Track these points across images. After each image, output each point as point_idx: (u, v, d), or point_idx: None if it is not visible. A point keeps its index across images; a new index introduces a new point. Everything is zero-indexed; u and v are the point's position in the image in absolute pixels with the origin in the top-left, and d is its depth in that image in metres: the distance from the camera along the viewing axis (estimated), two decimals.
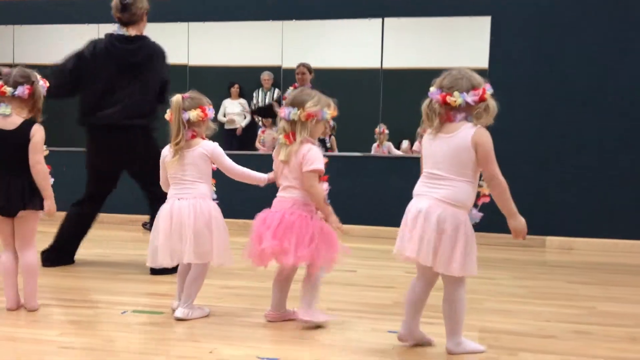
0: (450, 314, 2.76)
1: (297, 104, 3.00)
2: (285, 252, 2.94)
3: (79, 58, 4.30)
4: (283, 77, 6.40)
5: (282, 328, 3.08)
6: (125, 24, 4.29)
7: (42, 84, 3.22)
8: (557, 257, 5.31)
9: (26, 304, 3.25)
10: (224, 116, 6.73)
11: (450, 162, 2.65)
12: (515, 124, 5.76)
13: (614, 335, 3.08)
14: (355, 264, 4.68)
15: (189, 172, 3.19)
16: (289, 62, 6.37)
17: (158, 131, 4.48)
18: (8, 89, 3.12)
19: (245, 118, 6.77)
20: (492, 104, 2.71)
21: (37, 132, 3.14)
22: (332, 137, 6.39)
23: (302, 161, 2.98)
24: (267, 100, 6.71)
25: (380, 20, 6.09)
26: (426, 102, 2.74)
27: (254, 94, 6.76)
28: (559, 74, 5.68)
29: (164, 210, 3.20)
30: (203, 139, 3.24)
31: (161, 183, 3.34)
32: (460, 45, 6.01)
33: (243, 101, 6.76)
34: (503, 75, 5.79)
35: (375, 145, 6.32)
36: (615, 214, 5.61)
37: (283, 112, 3.03)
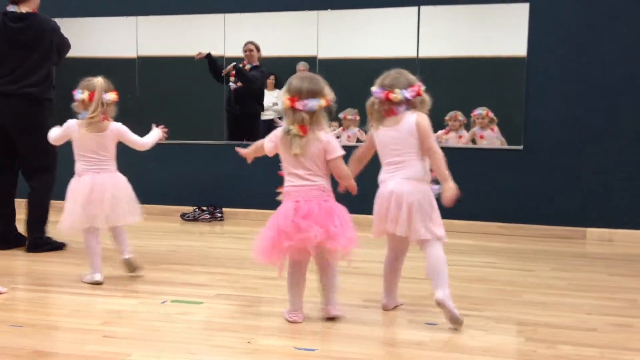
0: (438, 270, 3.03)
1: (317, 93, 2.95)
2: (333, 236, 2.90)
3: None
4: (319, 67, 6.39)
5: (318, 320, 3.10)
6: (14, 2, 4.53)
7: None
8: (598, 249, 5.23)
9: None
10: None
11: (403, 146, 3.05)
12: (553, 113, 5.68)
13: None
14: None
15: (102, 151, 3.69)
16: (325, 53, 6.36)
17: (51, 103, 4.68)
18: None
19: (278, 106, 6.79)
20: (427, 97, 3.14)
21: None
22: (360, 130, 6.42)
23: (328, 151, 2.97)
24: None
25: (416, 8, 6.03)
26: (370, 100, 3.13)
27: None
28: (598, 62, 5.57)
29: (83, 182, 3.65)
30: (109, 120, 3.72)
31: (55, 137, 3.81)
32: (497, 33, 5.93)
33: (279, 92, 6.77)
34: (541, 63, 5.70)
35: None
36: None
37: (302, 104, 2.92)
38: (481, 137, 6.01)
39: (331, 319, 3.06)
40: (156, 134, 3.95)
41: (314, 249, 2.91)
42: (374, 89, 3.10)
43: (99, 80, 3.63)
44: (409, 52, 6.11)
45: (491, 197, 5.83)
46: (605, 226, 5.58)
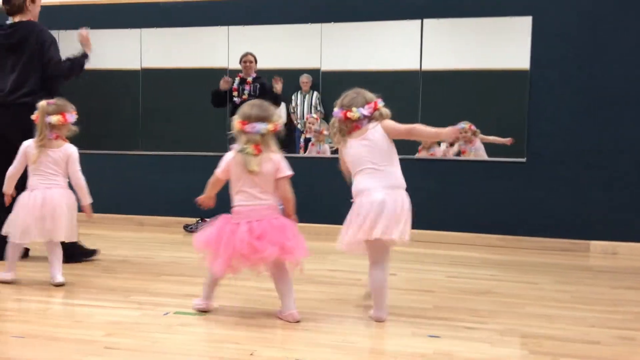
0: (385, 284, 3.24)
1: (265, 118, 3.19)
2: (289, 251, 3.13)
3: None
4: (322, 80, 6.41)
5: (320, 331, 3.09)
6: (8, 14, 4.59)
7: None
8: (601, 262, 5.21)
9: None
10: None
11: (378, 154, 3.23)
12: (557, 126, 5.68)
13: None
14: (395, 268, 4.67)
15: (54, 168, 3.85)
16: (328, 65, 6.39)
17: None
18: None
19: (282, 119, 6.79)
20: (384, 110, 3.30)
21: None
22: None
23: (277, 169, 3.19)
24: (305, 104, 6.73)
25: (419, 21, 6.06)
26: (332, 121, 3.35)
27: (293, 97, 6.78)
28: (601, 76, 5.59)
29: (34, 195, 3.81)
30: (64, 140, 3.90)
31: (13, 169, 3.91)
32: (500, 46, 5.95)
33: (282, 105, 6.78)
34: (544, 76, 5.72)
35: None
36: None
37: (250, 127, 3.17)
38: (463, 152, 6.03)
39: (298, 322, 3.19)
40: (87, 198, 3.96)
41: (269, 264, 3.18)
42: (335, 110, 3.33)
43: (41, 105, 3.87)
44: (412, 64, 6.13)
45: (494, 209, 5.83)
46: (609, 239, 5.57)
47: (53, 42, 4.57)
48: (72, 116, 3.89)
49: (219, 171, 3.29)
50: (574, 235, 5.64)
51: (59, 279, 3.86)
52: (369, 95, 3.33)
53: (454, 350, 2.83)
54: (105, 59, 6.75)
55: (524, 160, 5.79)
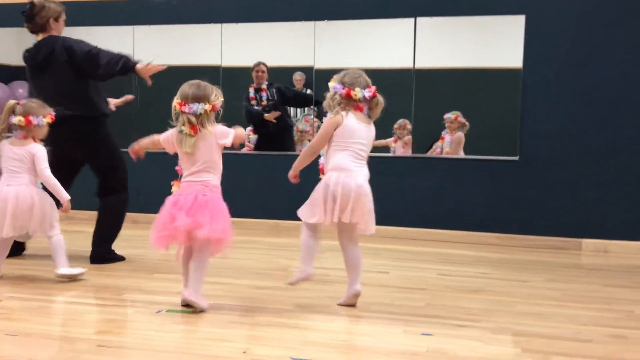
0: (359, 261, 3.46)
1: (202, 98, 3.27)
2: (200, 225, 3.17)
3: None
4: (315, 78, 6.41)
5: (314, 329, 3.09)
6: (32, 32, 4.53)
7: None
8: (593, 260, 5.24)
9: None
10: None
11: (367, 146, 3.40)
12: (549, 125, 5.70)
13: None
14: (387, 265, 4.68)
15: (16, 165, 3.86)
16: (321, 63, 6.38)
17: (99, 120, 4.56)
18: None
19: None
20: (381, 99, 3.41)
21: None
22: None
23: (218, 135, 3.27)
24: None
25: (412, 20, 6.06)
26: (330, 94, 3.40)
27: None
28: (595, 75, 5.60)
29: (5, 192, 3.83)
30: (35, 140, 3.90)
31: None
32: (494, 44, 5.96)
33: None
34: (538, 75, 5.73)
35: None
36: None
37: (187, 107, 3.26)
38: (441, 139, 6.08)
39: (186, 305, 3.29)
40: (63, 195, 3.93)
41: (185, 236, 3.22)
42: (333, 84, 3.39)
43: (9, 103, 3.92)
44: (406, 63, 6.13)
45: (487, 207, 5.84)
46: (601, 237, 5.60)
47: (77, 41, 4.48)
48: (37, 119, 3.88)
49: (162, 137, 3.41)
50: (566, 234, 5.66)
51: (58, 272, 3.91)
52: (368, 79, 3.41)
53: (446, 348, 2.84)
54: None
55: (516, 158, 5.81)
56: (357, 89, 3.33)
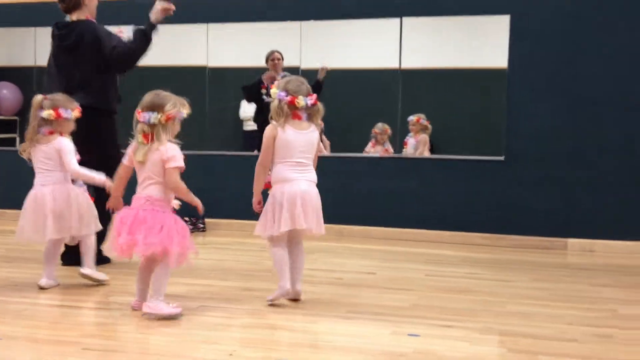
0: (302, 264, 3.53)
1: (157, 107, 3.17)
2: (135, 243, 3.12)
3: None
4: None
5: (300, 330, 3.09)
6: (66, 11, 4.46)
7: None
8: (578, 260, 5.27)
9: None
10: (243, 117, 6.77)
11: (309, 152, 3.46)
12: (535, 125, 5.72)
13: (636, 339, 3.06)
14: (374, 266, 4.69)
15: (46, 164, 3.74)
16: (308, 63, 6.38)
17: (110, 116, 4.53)
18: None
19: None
20: (321, 107, 3.50)
21: None
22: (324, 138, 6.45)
23: (165, 159, 3.16)
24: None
25: (398, 19, 6.07)
26: (275, 102, 3.44)
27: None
28: (581, 74, 5.63)
29: (30, 195, 3.74)
30: (62, 135, 3.78)
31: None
32: (479, 44, 5.99)
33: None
34: (523, 75, 5.75)
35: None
36: (637, 216, 5.54)
37: (142, 116, 3.18)
38: (405, 144, 6.14)
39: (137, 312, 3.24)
40: (96, 177, 3.80)
41: (129, 252, 3.18)
42: (276, 91, 3.45)
43: (34, 98, 3.81)
44: (391, 63, 6.15)
45: (473, 207, 5.86)
46: (586, 237, 5.62)
47: (108, 34, 4.41)
48: (67, 112, 3.77)
49: (124, 160, 3.32)
50: (552, 233, 5.69)
51: (83, 270, 3.85)
52: (309, 87, 3.51)
53: (433, 348, 2.84)
54: None
55: (502, 158, 5.83)
56: (300, 97, 3.40)
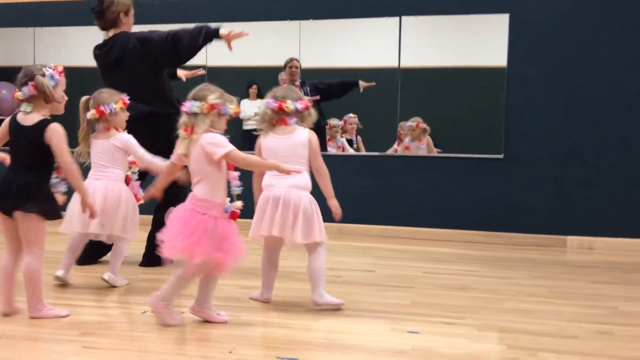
0: (316, 273, 3.36)
1: (199, 97, 3.04)
2: (172, 245, 2.95)
3: None
4: (301, 77, 6.40)
5: (301, 328, 3.09)
6: (102, 29, 4.45)
7: (51, 73, 3.12)
8: (578, 257, 5.27)
9: (29, 311, 3.16)
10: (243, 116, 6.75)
11: (293, 156, 3.35)
12: (533, 123, 5.73)
13: (636, 336, 3.06)
14: (373, 264, 4.69)
15: (104, 158, 3.78)
16: (307, 62, 6.37)
17: (177, 117, 4.47)
18: (19, 93, 3.13)
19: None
20: (313, 112, 3.48)
21: (54, 134, 3.04)
22: (359, 137, 6.41)
23: (210, 152, 2.97)
24: None
25: (397, 19, 6.07)
26: (263, 109, 3.47)
27: None
28: (579, 73, 5.63)
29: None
30: (117, 130, 3.81)
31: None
32: (478, 43, 5.98)
33: (261, 102, 6.76)
34: (522, 73, 5.76)
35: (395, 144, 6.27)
36: (636, 214, 5.55)
37: (185, 106, 3.05)
38: (407, 148, 6.10)
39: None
40: (160, 164, 3.72)
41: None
42: (266, 100, 3.46)
43: (81, 100, 3.84)
44: (391, 62, 6.14)
45: (472, 205, 5.86)
46: (586, 234, 5.63)
47: (151, 32, 4.38)
48: (108, 107, 3.76)
49: (173, 156, 3.17)
50: (551, 231, 5.69)
51: (104, 275, 3.83)
52: (301, 93, 3.52)
53: (432, 345, 2.84)
54: (78, 56, 6.68)
55: (501, 156, 5.83)
56: (289, 102, 3.40)
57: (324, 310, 3.37)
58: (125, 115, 3.88)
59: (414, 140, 6.13)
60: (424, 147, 6.12)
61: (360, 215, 5.95)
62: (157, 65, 4.40)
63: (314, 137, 3.44)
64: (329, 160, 3.59)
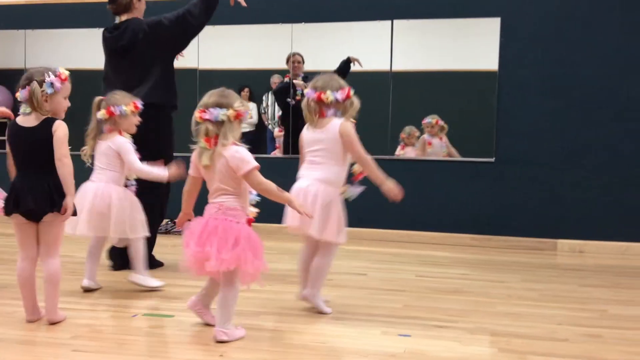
0: (317, 271, 3.33)
1: (225, 104, 2.86)
2: (207, 256, 2.79)
3: None
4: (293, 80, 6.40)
5: (291, 331, 3.08)
6: (115, 13, 4.42)
7: (52, 80, 3.00)
8: (569, 260, 5.29)
9: (47, 315, 3.12)
10: None
11: (325, 149, 3.27)
12: (525, 127, 5.74)
13: (626, 339, 3.07)
14: (365, 267, 4.69)
15: (104, 161, 3.75)
16: None
17: (173, 110, 4.50)
18: (18, 94, 3.10)
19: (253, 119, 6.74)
20: (356, 100, 3.33)
21: (59, 127, 3.00)
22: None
23: (235, 167, 2.83)
24: (276, 105, 6.70)
25: (389, 22, 6.08)
26: (305, 101, 3.33)
27: (264, 98, 6.77)
28: (571, 76, 5.66)
29: (79, 189, 3.60)
30: (120, 134, 3.77)
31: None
32: (470, 47, 5.99)
33: (252, 105, 6.76)
34: (513, 77, 5.78)
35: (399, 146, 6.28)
36: (626, 217, 5.57)
37: (209, 113, 2.85)
38: (429, 143, 6.11)
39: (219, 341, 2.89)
40: (161, 174, 3.78)
41: (197, 267, 2.87)
42: (307, 90, 3.33)
43: (93, 101, 3.82)
44: (382, 65, 6.15)
45: (463, 208, 5.87)
46: (576, 238, 5.65)
47: (160, 16, 4.36)
48: (119, 108, 3.73)
49: (190, 172, 3.02)
50: (542, 234, 5.71)
51: (131, 277, 3.83)
52: (342, 81, 3.34)
53: (424, 349, 2.85)
54: (73, 59, 6.67)
55: (492, 160, 5.84)
56: (328, 92, 3.26)
57: (315, 314, 3.37)
58: (136, 120, 3.83)
59: (434, 137, 6.13)
60: (444, 145, 6.10)
61: (352, 219, 5.93)
62: (167, 51, 4.40)
63: (346, 127, 3.25)
64: None
